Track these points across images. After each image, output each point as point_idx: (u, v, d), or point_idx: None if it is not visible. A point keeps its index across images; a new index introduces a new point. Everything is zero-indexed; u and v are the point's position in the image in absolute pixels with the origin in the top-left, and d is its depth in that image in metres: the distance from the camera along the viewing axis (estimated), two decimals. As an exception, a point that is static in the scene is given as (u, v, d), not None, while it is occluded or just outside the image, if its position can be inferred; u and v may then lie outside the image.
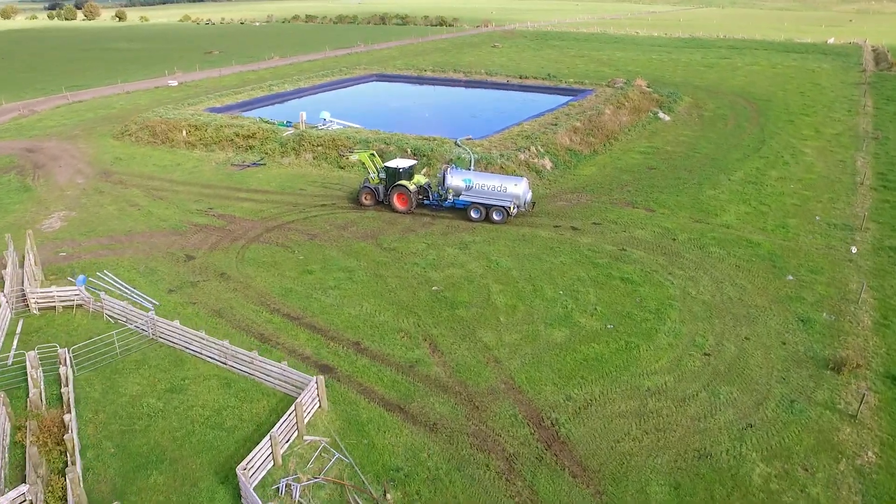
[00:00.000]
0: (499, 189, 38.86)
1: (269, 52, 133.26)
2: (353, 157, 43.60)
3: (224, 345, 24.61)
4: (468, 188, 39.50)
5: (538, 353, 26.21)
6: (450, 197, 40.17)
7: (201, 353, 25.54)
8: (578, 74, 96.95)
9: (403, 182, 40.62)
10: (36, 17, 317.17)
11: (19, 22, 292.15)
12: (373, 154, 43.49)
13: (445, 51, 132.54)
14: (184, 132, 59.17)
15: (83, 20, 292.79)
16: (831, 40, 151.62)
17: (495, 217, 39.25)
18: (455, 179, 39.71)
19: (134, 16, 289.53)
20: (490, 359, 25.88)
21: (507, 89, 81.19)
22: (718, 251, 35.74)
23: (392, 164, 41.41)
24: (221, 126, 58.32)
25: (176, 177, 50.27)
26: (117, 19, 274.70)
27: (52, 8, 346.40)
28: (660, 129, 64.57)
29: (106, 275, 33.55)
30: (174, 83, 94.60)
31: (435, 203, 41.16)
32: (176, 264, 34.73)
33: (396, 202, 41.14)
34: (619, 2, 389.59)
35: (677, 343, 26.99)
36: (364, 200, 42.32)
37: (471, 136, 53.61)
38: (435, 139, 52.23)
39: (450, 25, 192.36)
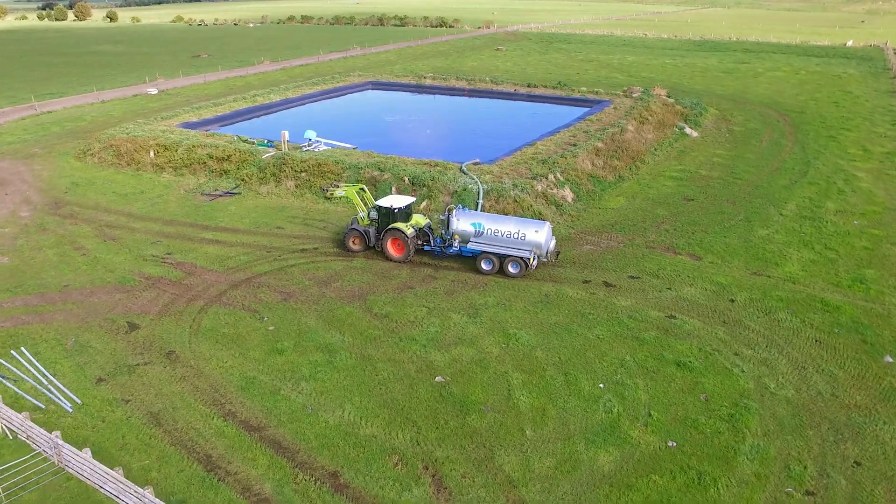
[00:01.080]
0: (516, 236, 31.80)
1: (261, 55, 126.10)
2: (339, 193, 36.37)
3: (143, 494, 17.52)
4: (478, 234, 32.44)
5: (581, 494, 19.14)
6: (455, 244, 33.09)
7: (119, 498, 18.48)
8: (590, 82, 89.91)
9: (399, 225, 33.55)
10: (26, 18, 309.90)
11: (7, 22, 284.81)
12: (362, 188, 36.36)
13: (446, 54, 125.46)
14: (151, 153, 52.08)
15: (74, 21, 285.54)
16: (850, 43, 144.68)
17: (511, 270, 32.19)
18: (462, 223, 32.65)
19: (126, 16, 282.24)
20: None
21: (515, 99, 74.13)
22: (790, 319, 28.68)
23: (385, 202, 34.32)
24: (194, 146, 51.21)
25: (136, 209, 43.17)
26: (108, 20, 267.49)
27: (45, 8, 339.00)
28: (688, 147, 57.50)
29: (23, 352, 26.51)
30: (154, 91, 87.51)
31: (437, 250, 34.10)
32: (114, 337, 27.65)
33: (391, 249, 34.07)
34: (621, 2, 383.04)
35: (767, 473, 19.94)
36: (352, 245, 35.27)
37: (478, 160, 46.56)
38: (437, 164, 45.15)
39: (450, 27, 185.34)
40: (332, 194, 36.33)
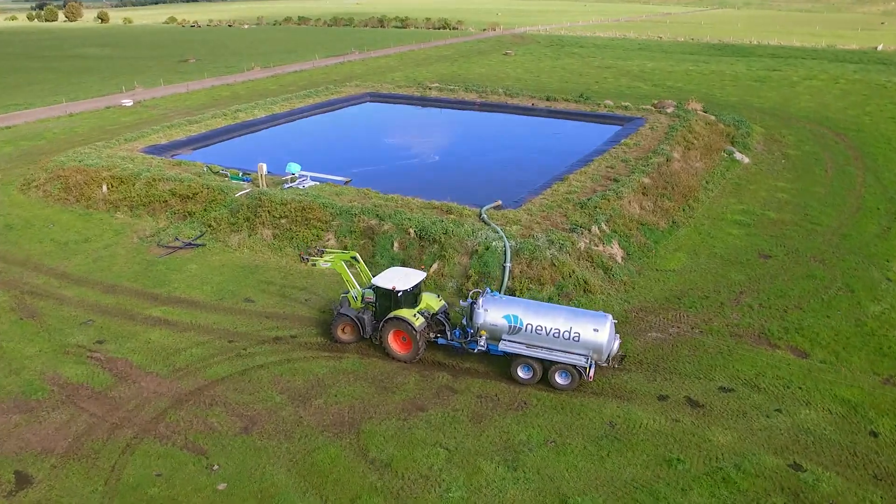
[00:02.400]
0: (567, 335, 23.00)
1: (252, 60, 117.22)
2: (324, 264, 27.40)
3: None
4: (514, 330, 23.63)
5: None
6: (481, 341, 24.24)
7: None
8: (612, 92, 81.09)
9: (404, 313, 24.73)
10: (16, 18, 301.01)
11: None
12: (355, 257, 27.46)
13: (451, 59, 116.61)
14: (104, 188, 43.28)
15: (64, 22, 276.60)
16: (880, 47, 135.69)
17: (559, 380, 23.38)
18: (492, 315, 23.82)
19: (119, 17, 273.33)
20: None
21: (534, 115, 65.25)
22: (969, 468, 19.89)
23: (385, 279, 25.44)
24: (154, 180, 42.39)
25: (74, 266, 34.37)
26: (99, 21, 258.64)
27: (38, 8, 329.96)
28: (743, 178, 48.66)
29: None
30: (128, 103, 78.71)
31: (456, 345, 25.28)
32: (-11, 502, 18.90)
33: (393, 345, 25.26)
34: (628, 3, 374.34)
35: None
36: (341, 335, 26.47)
37: (500, 203, 37.72)
38: (449, 209, 36.29)
39: (454, 29, 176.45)
40: (316, 264, 27.42)
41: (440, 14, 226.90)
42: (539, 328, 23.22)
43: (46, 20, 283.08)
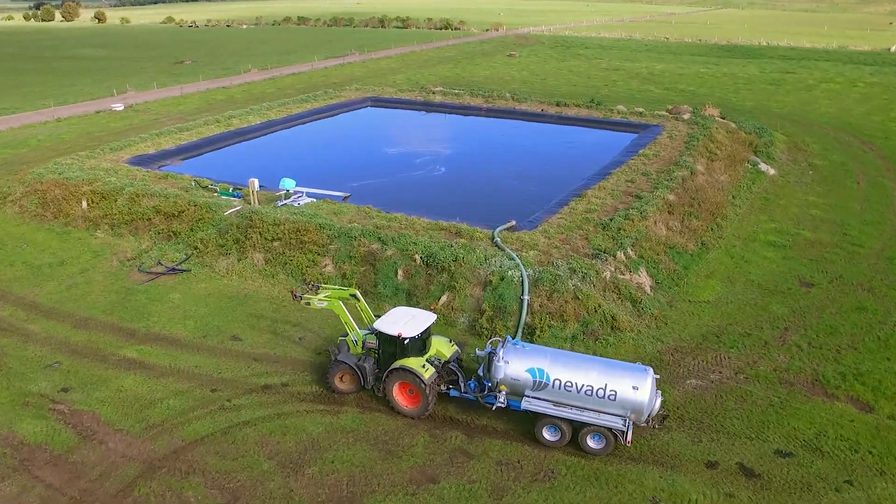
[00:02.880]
0: (601, 392, 19.77)
1: (250, 61, 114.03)
2: (320, 304, 24.05)
3: None
4: (539, 385, 20.39)
5: None
6: (500, 397, 20.97)
7: None
8: (623, 96, 77.93)
9: (411, 363, 21.49)
10: (12, 18, 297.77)
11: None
12: (354, 294, 24.17)
13: (454, 61, 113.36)
14: (84, 203, 40.05)
15: (61, 21, 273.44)
16: (893, 48, 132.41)
17: (591, 444, 20.15)
18: (514, 367, 20.57)
19: (117, 17, 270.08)
20: None
21: (543, 121, 61.97)
22: None
23: (389, 323, 22.11)
24: (138, 195, 39.16)
25: (45, 295, 31.15)
26: (97, 21, 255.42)
27: (35, 8, 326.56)
28: (771, 192, 45.38)
29: None
30: (119, 107, 75.48)
31: (471, 397, 22.03)
32: None
33: (399, 398, 22.02)
34: (631, 3, 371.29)
35: None
36: (339, 384, 23.22)
37: (514, 224, 34.46)
38: (458, 230, 33.04)
39: (456, 29, 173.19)
40: (310, 303, 24.12)
41: (441, 14, 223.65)
42: (569, 384, 19.98)
43: (43, 20, 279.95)
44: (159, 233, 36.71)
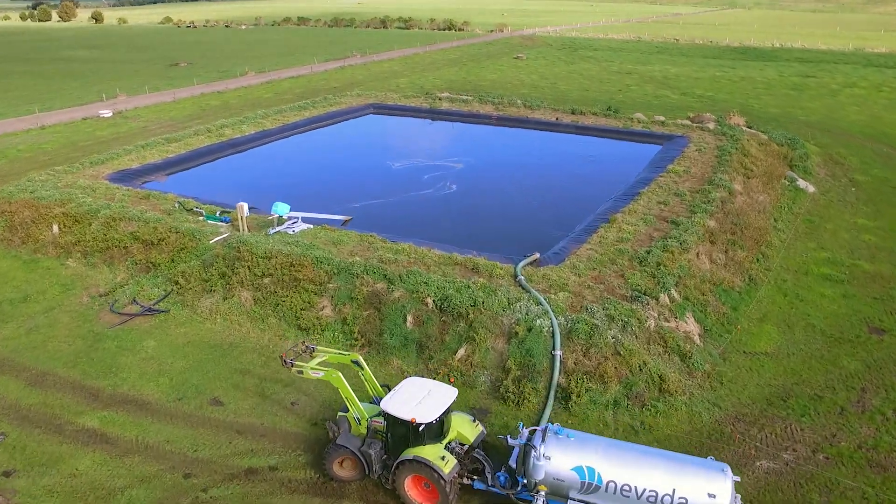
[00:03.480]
0: (667, 499, 15.64)
1: (247, 63, 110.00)
2: (313, 374, 19.80)
3: None
4: (589, 488, 16.26)
5: None
6: (539, 501, 16.80)
7: None
8: (639, 103, 73.81)
9: (427, 454, 17.37)
10: (8, 18, 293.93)
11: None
12: (356, 361, 20.00)
13: (459, 63, 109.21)
14: (54, 228, 35.95)
15: (58, 22, 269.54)
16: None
17: (655, 562, 16.03)
18: (557, 464, 16.42)
19: (115, 17, 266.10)
20: None
21: (559, 131, 57.80)
22: None
23: (400, 401, 17.92)
24: (114, 219, 35.06)
25: (0, 341, 27.06)
26: (94, 21, 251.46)
27: (32, 8, 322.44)
28: (814, 213, 41.19)
29: None
30: (107, 114, 71.46)
31: (500, 492, 17.88)
32: None
33: (412, 493, 17.90)
34: (635, 3, 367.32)
35: None
36: (338, 470, 19.10)
37: (538, 256, 30.35)
38: (475, 265, 28.92)
39: (460, 30, 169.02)
40: (303, 372, 19.96)
41: (444, 14, 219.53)
42: (626, 488, 15.86)
43: (40, 20, 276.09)
44: (136, 263, 32.61)
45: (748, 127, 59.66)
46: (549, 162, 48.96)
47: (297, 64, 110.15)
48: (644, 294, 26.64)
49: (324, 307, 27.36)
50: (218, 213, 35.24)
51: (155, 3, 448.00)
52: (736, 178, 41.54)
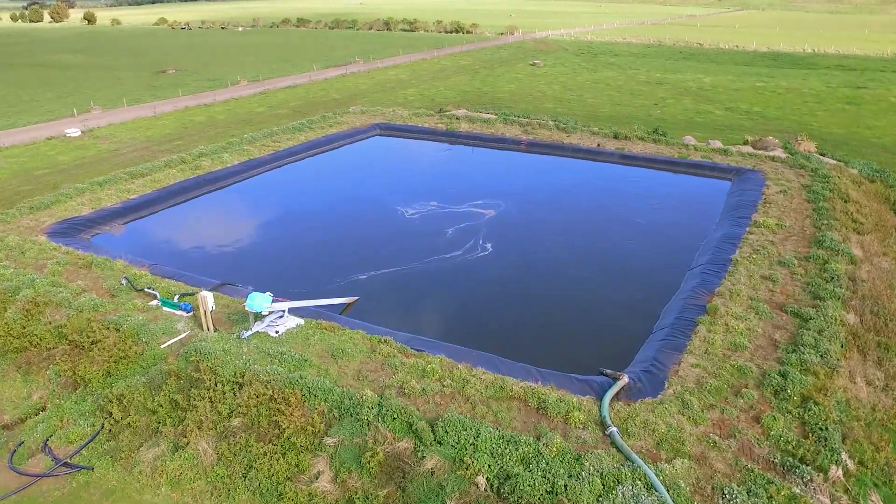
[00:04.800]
0: None
1: (241, 70, 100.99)
2: None
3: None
4: None
5: None
6: None
7: None
8: (681, 120, 64.78)
9: None
10: (0, 19, 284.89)
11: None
12: None
13: (472, 71, 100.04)
14: (-41, 314, 26.79)
15: (49, 23, 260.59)
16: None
17: None
18: None
19: (108, 18, 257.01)
20: None
21: (602, 160, 48.62)
22: None
23: None
24: (38, 304, 26.00)
25: None
26: (86, 22, 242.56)
27: (25, 8, 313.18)
28: (951, 280, 31.96)
29: None
30: (75, 133, 62.45)
31: None
32: None
33: None
34: (642, 4, 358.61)
35: None
36: None
37: (626, 379, 21.15)
38: (544, 402, 19.74)
39: (468, 33, 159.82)
40: None
41: (449, 15, 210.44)
42: None
43: (31, 21, 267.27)
44: (60, 375, 23.46)
45: (820, 153, 50.70)
46: (600, 205, 39.74)
47: (295, 71, 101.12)
48: (801, 462, 17.51)
49: (319, 474, 18.20)
50: (177, 297, 26.07)
51: (154, 2, 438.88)
52: (849, 238, 32.38)
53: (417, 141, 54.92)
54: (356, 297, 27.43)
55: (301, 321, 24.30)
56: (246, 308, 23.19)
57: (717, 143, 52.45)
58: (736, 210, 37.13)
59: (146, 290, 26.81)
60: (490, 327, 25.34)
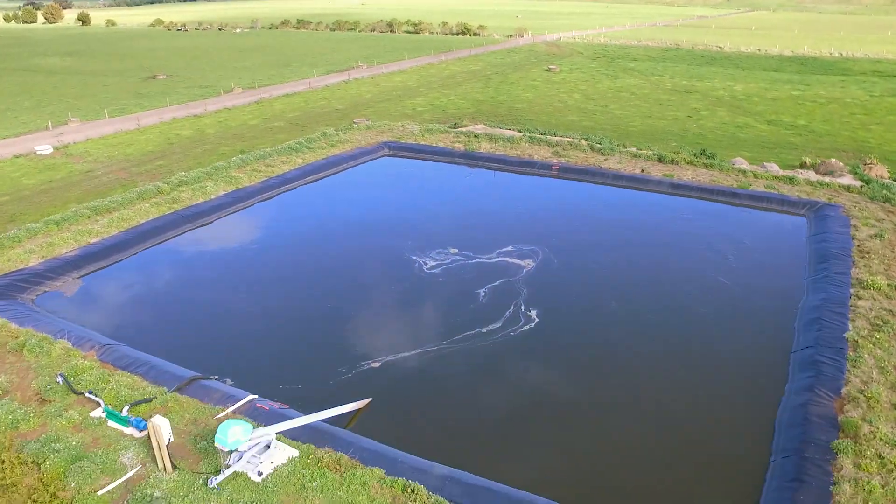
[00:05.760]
0: None
1: (236, 76, 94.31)
2: None
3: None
4: None
5: None
6: None
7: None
8: (723, 137, 58.08)
9: None
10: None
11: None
12: None
13: (484, 77, 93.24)
14: None
15: (43, 23, 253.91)
16: None
17: None
18: None
19: (103, 18, 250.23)
20: None
21: (648, 189, 41.77)
22: None
23: None
24: (-59, 416, 19.23)
25: None
26: (80, 23, 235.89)
27: (19, 9, 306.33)
28: None
29: None
30: (46, 150, 55.83)
31: None
32: None
33: None
34: (648, 4, 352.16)
35: None
36: None
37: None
38: None
39: (475, 35, 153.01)
40: None
41: (453, 16, 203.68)
42: None
43: (24, 21, 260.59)
44: (-44, 533, 16.71)
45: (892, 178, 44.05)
46: (656, 251, 32.85)
47: (293, 77, 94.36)
48: None
49: None
50: (126, 408, 19.29)
51: (152, 3, 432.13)
52: None
53: (431, 163, 48.07)
54: (368, 399, 20.71)
55: (294, 453, 17.51)
56: (216, 445, 16.38)
57: (775, 168, 45.73)
58: (826, 261, 30.38)
59: (87, 394, 20.04)
60: (559, 457, 18.61)
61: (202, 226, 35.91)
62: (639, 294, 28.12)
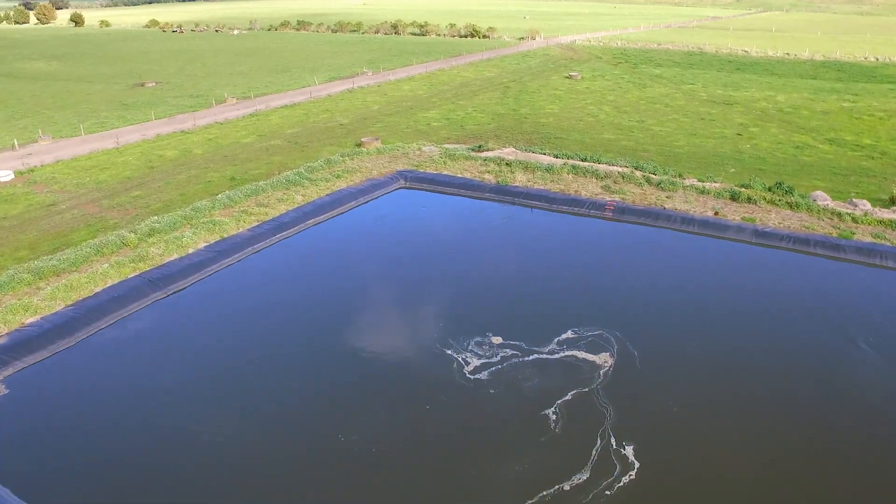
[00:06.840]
0: None
1: (230, 83, 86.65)
2: None
3: None
4: None
5: None
6: None
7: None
8: (783, 161, 50.61)
9: None
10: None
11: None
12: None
13: (501, 86, 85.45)
14: None
15: (35, 24, 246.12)
16: None
17: None
18: None
19: (96, 19, 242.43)
20: None
21: (728, 237, 34.03)
22: None
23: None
24: None
25: None
26: (73, 24, 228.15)
27: (15, 8, 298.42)
28: None
29: None
30: (6, 177, 48.41)
31: None
32: None
33: None
34: (656, 4, 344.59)
35: None
36: None
37: None
38: None
39: (484, 37, 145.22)
40: None
41: (459, 17, 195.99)
42: None
43: (16, 22, 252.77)
44: None
45: None
46: (762, 332, 25.12)
47: (293, 85, 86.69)
48: None
49: None
50: None
51: (150, 2, 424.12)
52: None
53: (456, 198, 40.28)
54: None
55: None
56: None
57: (866, 205, 38.03)
58: None
59: None
60: None
61: (174, 293, 28.18)
62: (757, 405, 20.39)
